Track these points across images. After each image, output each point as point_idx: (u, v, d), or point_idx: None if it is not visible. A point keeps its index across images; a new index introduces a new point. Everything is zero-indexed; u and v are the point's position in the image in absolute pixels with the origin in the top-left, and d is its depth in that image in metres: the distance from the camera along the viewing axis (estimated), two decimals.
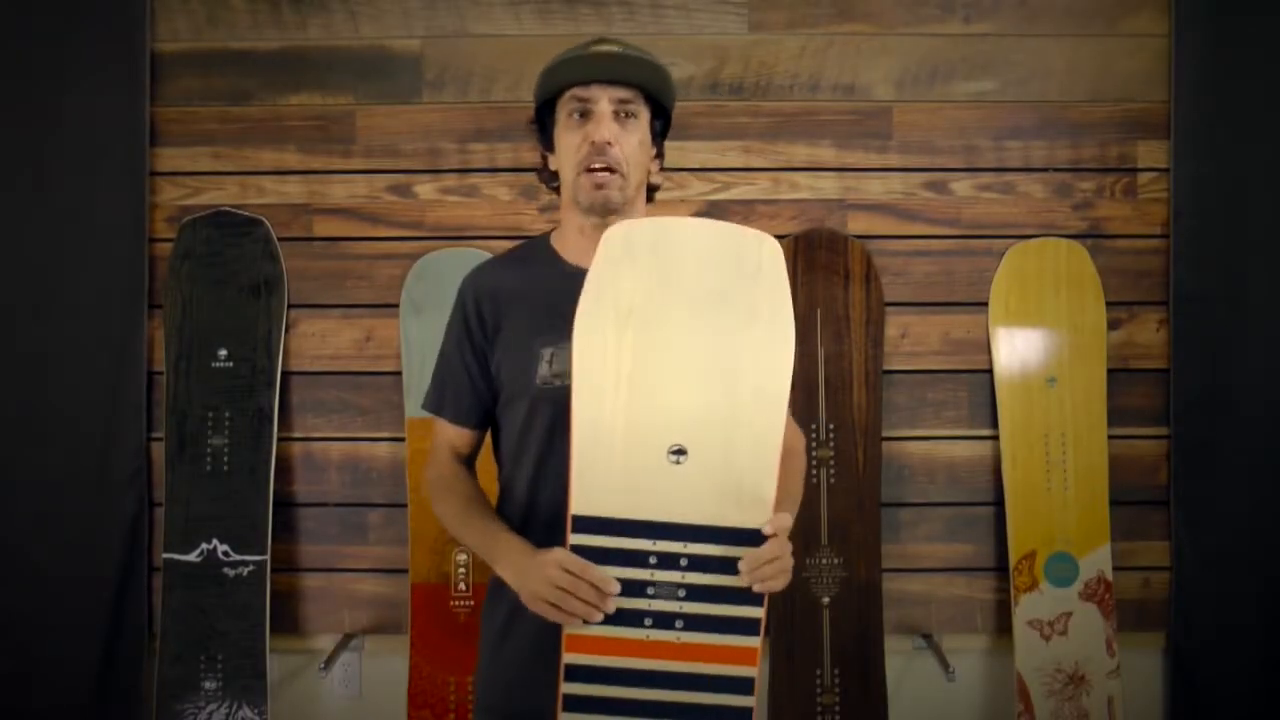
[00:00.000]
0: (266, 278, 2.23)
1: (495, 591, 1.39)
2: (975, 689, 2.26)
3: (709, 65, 2.25)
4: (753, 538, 1.18)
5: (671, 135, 2.22)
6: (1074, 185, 2.25)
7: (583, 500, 1.19)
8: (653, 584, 1.18)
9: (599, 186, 1.29)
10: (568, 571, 1.18)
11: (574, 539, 1.19)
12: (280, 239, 2.24)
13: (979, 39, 2.25)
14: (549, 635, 1.23)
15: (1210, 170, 2.20)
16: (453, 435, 1.45)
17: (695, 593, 1.18)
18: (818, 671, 2.14)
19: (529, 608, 1.22)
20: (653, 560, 1.18)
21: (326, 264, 2.26)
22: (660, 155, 1.40)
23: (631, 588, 1.18)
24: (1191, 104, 2.21)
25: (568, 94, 1.30)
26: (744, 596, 1.17)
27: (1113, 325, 2.23)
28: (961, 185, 2.25)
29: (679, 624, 1.18)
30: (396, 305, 2.22)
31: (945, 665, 2.13)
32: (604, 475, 1.19)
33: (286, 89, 2.27)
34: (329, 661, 2.13)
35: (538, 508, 1.35)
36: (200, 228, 2.24)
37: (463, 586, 2.17)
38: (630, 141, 1.30)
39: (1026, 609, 2.17)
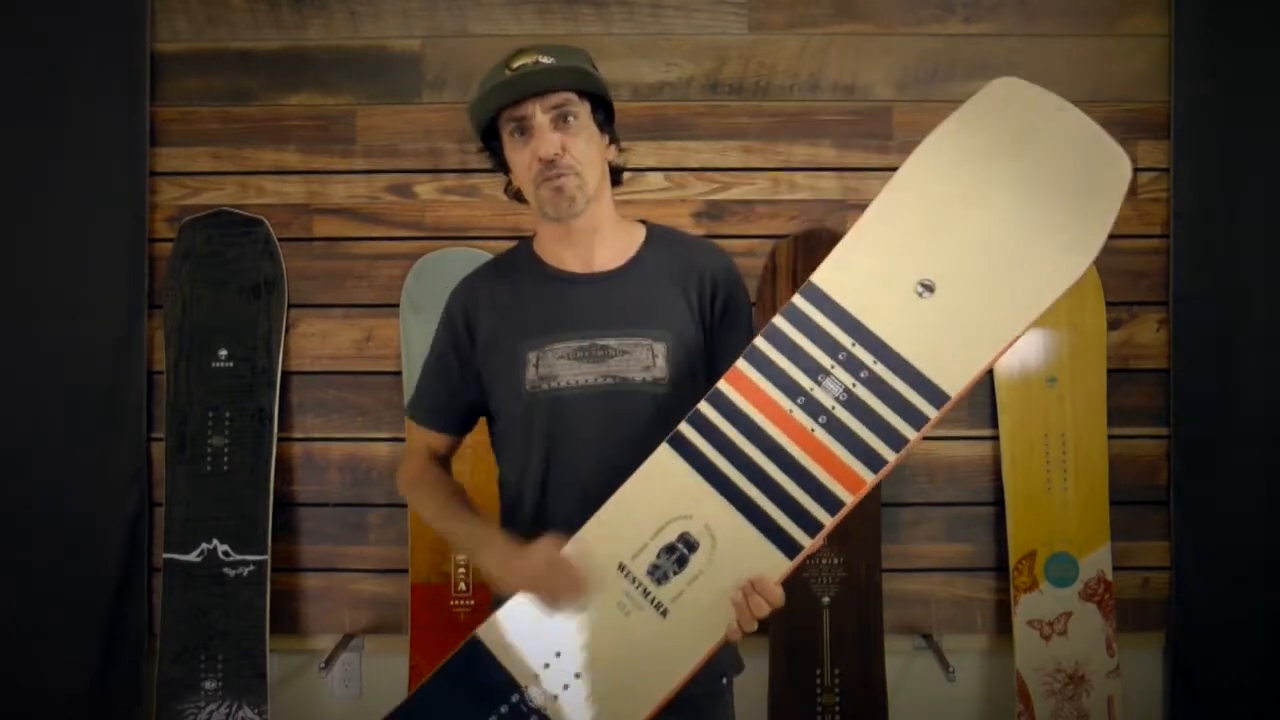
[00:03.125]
0: (266, 278, 2.23)
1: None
2: (975, 689, 2.26)
3: (709, 65, 2.25)
4: (931, 397, 1.16)
5: (672, 135, 2.22)
6: None
7: (827, 273, 1.22)
8: (829, 375, 1.19)
9: (559, 191, 1.30)
10: (549, 566, 1.22)
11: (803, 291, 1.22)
12: (280, 239, 2.24)
13: (979, 39, 2.25)
14: None
15: (1210, 170, 2.20)
16: (431, 438, 1.49)
17: (854, 405, 1.18)
18: (818, 671, 2.14)
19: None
20: (842, 356, 1.19)
21: (326, 264, 2.26)
22: (614, 139, 1.39)
23: (809, 366, 1.20)
24: (1191, 104, 2.21)
25: (504, 115, 1.31)
26: (889, 435, 1.17)
27: (1113, 325, 2.23)
28: None
29: (822, 419, 1.18)
30: (396, 305, 2.22)
31: (945, 665, 2.13)
32: (856, 266, 1.22)
33: (286, 89, 2.27)
34: (329, 661, 2.13)
35: (547, 510, 1.35)
36: (200, 228, 2.23)
37: (463, 586, 2.17)
38: (576, 143, 1.30)
39: (1026, 609, 2.17)
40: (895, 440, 1.16)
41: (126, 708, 2.20)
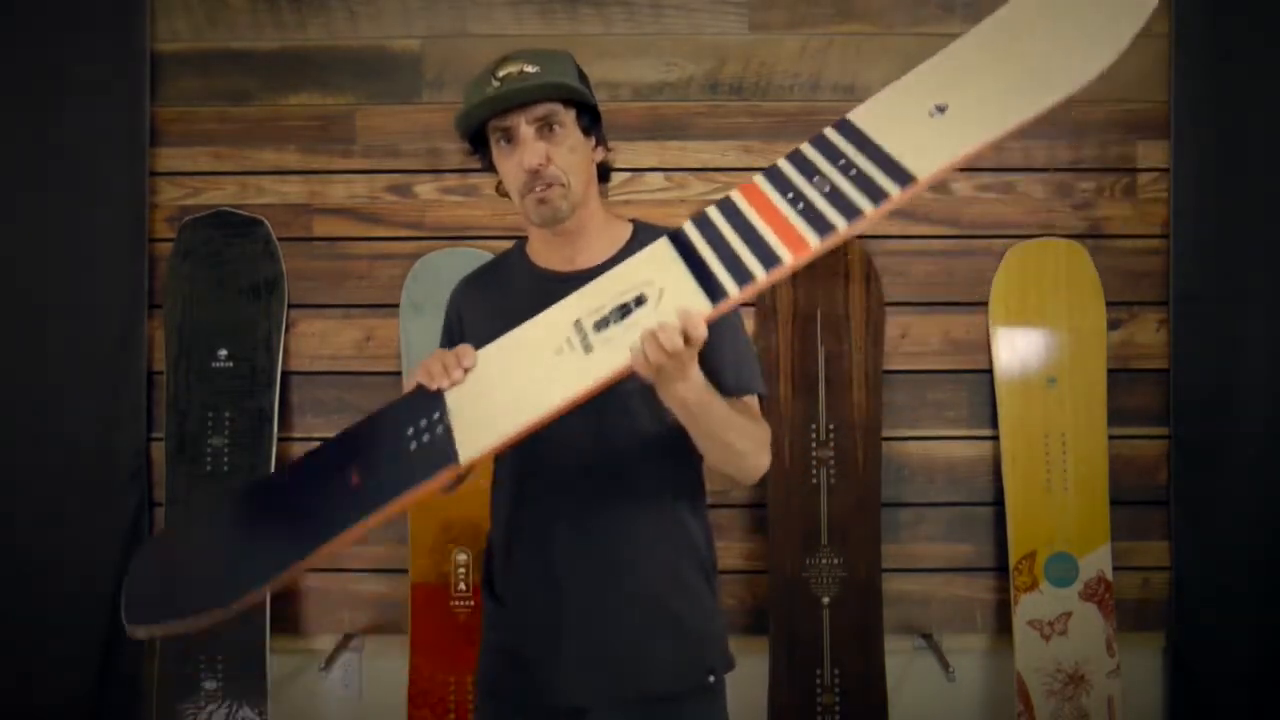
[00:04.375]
0: (266, 278, 2.23)
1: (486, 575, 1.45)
2: (975, 689, 2.26)
3: (709, 65, 2.25)
4: (896, 176, 1.16)
5: (672, 135, 2.22)
6: (1074, 185, 2.25)
7: (861, 108, 1.25)
8: (821, 174, 1.21)
9: (543, 202, 1.31)
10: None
11: None
12: (280, 239, 2.24)
13: None
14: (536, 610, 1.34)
15: (1210, 170, 2.20)
16: None
17: (825, 187, 1.19)
18: (818, 671, 2.14)
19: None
20: (842, 162, 1.21)
21: (326, 264, 2.26)
22: (601, 141, 1.40)
23: (809, 170, 1.21)
24: (1191, 104, 2.21)
25: (490, 124, 1.32)
26: (844, 205, 1.17)
27: (1113, 325, 2.23)
28: (961, 185, 2.25)
29: (791, 196, 1.20)
30: (396, 305, 2.22)
31: (945, 665, 2.13)
32: (886, 101, 1.24)
33: (286, 89, 2.27)
34: (329, 661, 2.14)
35: (525, 499, 1.37)
36: (200, 228, 2.23)
37: (463, 586, 2.17)
38: (560, 151, 1.31)
39: (1026, 609, 2.17)
40: (849, 210, 1.17)
41: (126, 708, 2.20)
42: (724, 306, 1.17)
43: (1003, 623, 2.22)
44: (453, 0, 2.25)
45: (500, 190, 1.41)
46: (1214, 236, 2.20)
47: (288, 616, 2.23)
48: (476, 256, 2.16)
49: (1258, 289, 2.19)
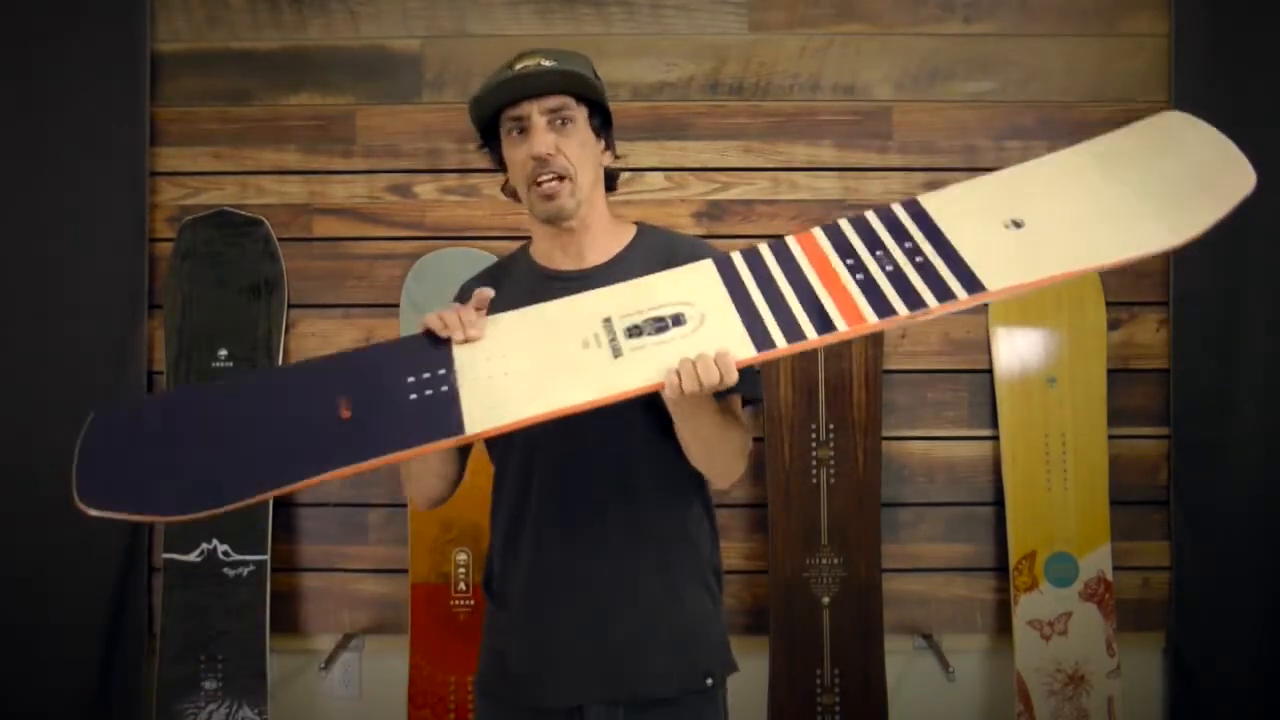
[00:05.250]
0: (266, 278, 2.23)
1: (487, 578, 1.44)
2: (975, 689, 2.26)
3: (709, 65, 2.25)
4: (966, 282, 1.17)
5: (672, 135, 2.23)
6: None
7: (932, 196, 1.27)
8: (887, 251, 1.21)
9: (549, 197, 1.32)
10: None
11: None
12: (280, 239, 2.24)
13: (979, 39, 2.25)
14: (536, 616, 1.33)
15: None
16: None
17: (893, 272, 1.19)
18: (818, 671, 2.14)
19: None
20: (908, 245, 1.21)
21: (326, 264, 2.26)
22: (610, 146, 1.41)
23: (872, 241, 1.22)
24: (1191, 104, 2.20)
25: (503, 114, 1.33)
26: (909, 295, 1.17)
27: (1113, 325, 2.23)
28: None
29: (857, 273, 1.20)
30: (396, 305, 2.22)
31: (945, 665, 2.13)
32: (960, 198, 1.26)
33: (286, 89, 2.27)
34: (329, 661, 2.14)
35: (525, 499, 1.36)
36: (200, 228, 2.24)
37: (463, 586, 2.17)
38: (570, 145, 1.32)
39: (1026, 609, 2.17)
40: (913, 300, 1.16)
41: (126, 708, 2.20)
42: (767, 356, 1.16)
43: (1003, 623, 2.22)
44: (453, 0, 2.25)
45: (506, 189, 1.41)
46: (1214, 237, 2.19)
47: (288, 616, 2.23)
48: (476, 256, 2.16)
49: (1258, 289, 2.19)
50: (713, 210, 2.24)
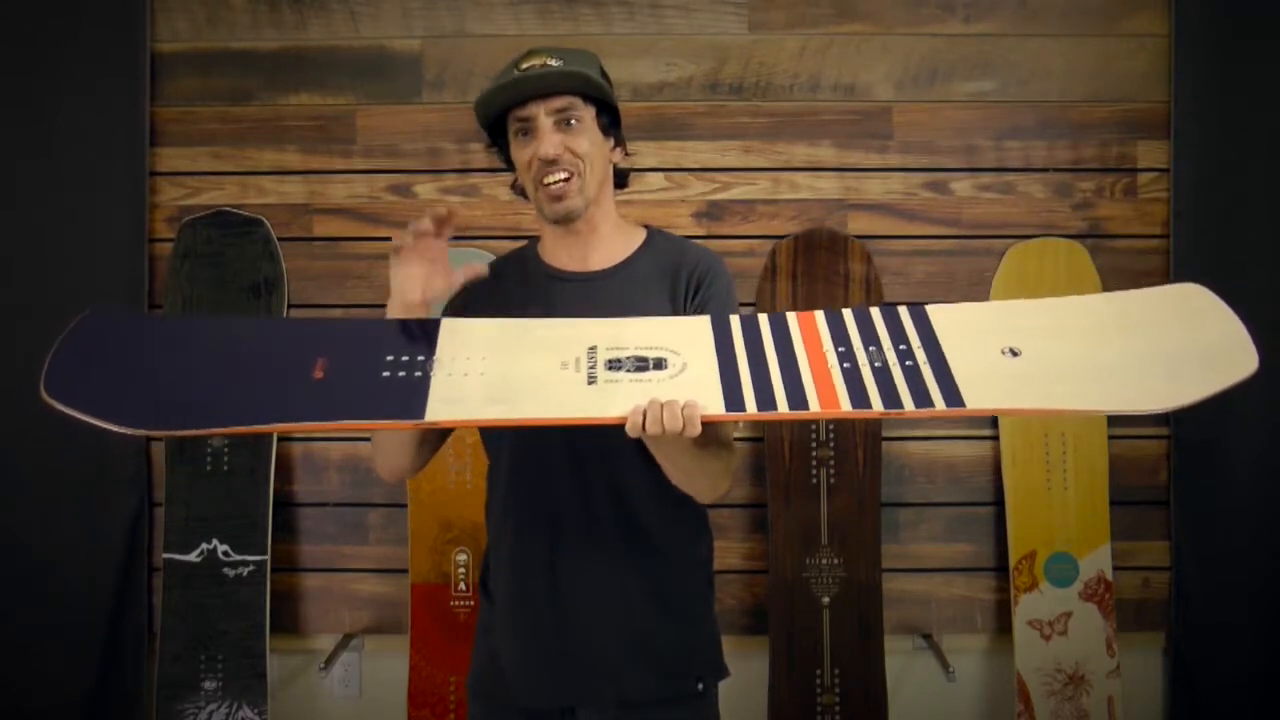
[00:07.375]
0: (266, 278, 2.23)
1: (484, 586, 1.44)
2: (975, 689, 2.26)
3: (709, 65, 2.25)
4: (949, 395, 1.19)
5: (672, 135, 2.23)
6: (1074, 185, 2.25)
7: (939, 307, 1.30)
8: (881, 348, 1.24)
9: (558, 198, 1.32)
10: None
11: None
12: (280, 239, 2.24)
13: (979, 39, 2.25)
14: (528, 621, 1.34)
15: (1210, 170, 2.20)
16: None
17: (880, 369, 1.21)
18: (818, 671, 2.14)
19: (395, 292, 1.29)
20: (902, 347, 1.24)
21: (326, 264, 2.26)
22: (620, 143, 1.40)
23: (870, 336, 1.25)
24: (1191, 104, 2.21)
25: (510, 115, 1.32)
26: (889, 395, 1.19)
27: None
28: (962, 185, 2.25)
29: (845, 362, 1.22)
30: None
31: (945, 665, 2.13)
32: (964, 315, 1.30)
33: (286, 89, 2.27)
34: (329, 661, 2.14)
35: (517, 500, 1.37)
36: (200, 228, 2.24)
37: (463, 586, 2.17)
38: (579, 144, 1.31)
39: (1026, 609, 2.17)
40: (892, 400, 1.18)
41: (126, 708, 2.20)
42: (735, 417, 1.18)
43: (1003, 623, 2.22)
44: (452, 0, 2.25)
45: (516, 187, 1.41)
46: (1214, 236, 2.20)
47: (288, 616, 2.23)
48: (476, 257, 2.15)
49: (1258, 289, 2.19)
50: (713, 210, 2.24)
